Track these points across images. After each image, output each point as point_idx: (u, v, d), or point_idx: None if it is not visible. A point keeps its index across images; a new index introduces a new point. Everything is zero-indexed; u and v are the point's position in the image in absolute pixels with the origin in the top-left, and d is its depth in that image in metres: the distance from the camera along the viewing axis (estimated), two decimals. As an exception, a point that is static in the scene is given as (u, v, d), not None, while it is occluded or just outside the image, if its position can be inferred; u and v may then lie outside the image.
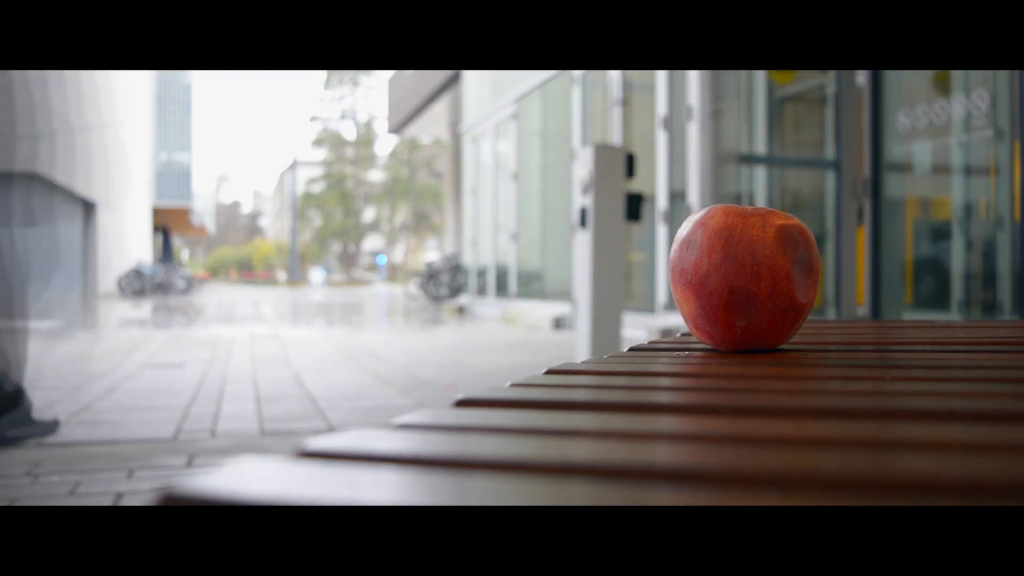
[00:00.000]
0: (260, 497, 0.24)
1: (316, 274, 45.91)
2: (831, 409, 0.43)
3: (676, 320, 6.58)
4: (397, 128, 18.51)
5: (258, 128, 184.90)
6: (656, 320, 6.98)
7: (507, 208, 11.66)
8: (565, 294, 9.31)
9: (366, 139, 52.54)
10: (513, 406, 0.44)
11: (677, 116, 7.02)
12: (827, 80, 6.08)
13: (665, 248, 7.02)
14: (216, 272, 61.58)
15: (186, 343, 6.95)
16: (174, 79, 34.76)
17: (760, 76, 6.38)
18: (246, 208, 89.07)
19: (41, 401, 3.68)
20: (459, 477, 0.27)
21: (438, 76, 14.14)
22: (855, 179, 5.29)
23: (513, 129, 11.39)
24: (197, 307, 14.92)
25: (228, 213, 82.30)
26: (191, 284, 24.57)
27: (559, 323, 8.83)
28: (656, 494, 0.25)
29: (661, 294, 7.09)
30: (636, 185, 4.37)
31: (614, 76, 8.23)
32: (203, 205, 40.48)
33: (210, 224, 47.30)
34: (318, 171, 53.64)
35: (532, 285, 10.78)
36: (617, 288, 3.96)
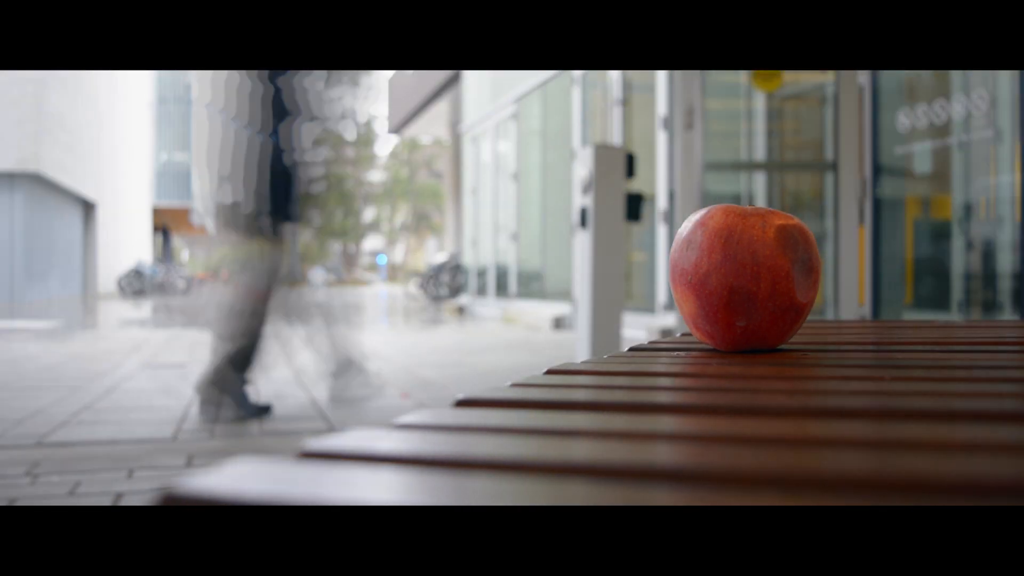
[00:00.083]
0: (260, 497, 0.24)
1: (316, 274, 45.91)
2: (831, 409, 0.43)
3: (676, 320, 6.58)
4: (397, 128, 18.51)
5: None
6: (656, 320, 6.98)
7: (507, 208, 11.66)
8: (565, 294, 9.31)
9: (366, 139, 52.53)
10: (513, 406, 0.44)
11: (677, 116, 7.02)
12: (827, 80, 6.08)
13: (665, 248, 7.02)
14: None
15: (186, 343, 6.95)
16: (174, 79, 34.76)
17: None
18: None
19: (41, 401, 3.68)
20: (459, 477, 0.27)
21: (438, 76, 14.14)
22: (855, 179, 5.29)
23: (513, 129, 11.39)
24: (197, 307, 14.92)
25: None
26: (191, 284, 24.58)
27: (559, 323, 8.83)
28: (656, 494, 0.25)
29: (661, 294, 7.09)
30: (636, 185, 4.37)
31: (614, 76, 8.23)
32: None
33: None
34: (318, 171, 53.58)
35: (532, 285, 10.78)
36: (617, 288, 3.96)
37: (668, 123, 7.08)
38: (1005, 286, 4.69)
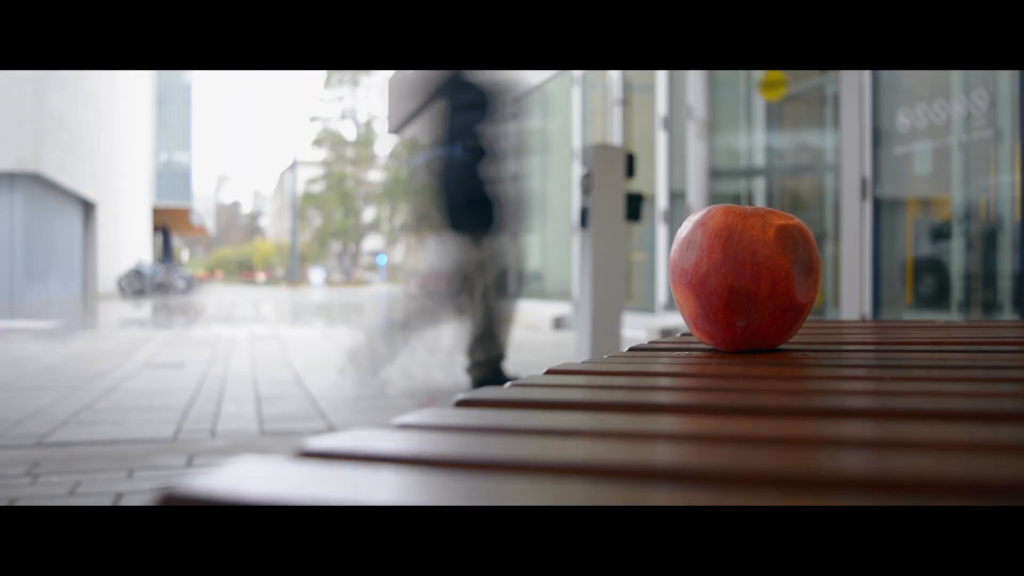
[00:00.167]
0: (260, 497, 0.24)
1: (316, 274, 45.88)
2: (831, 409, 0.43)
3: (676, 320, 6.59)
4: (397, 128, 18.50)
5: (258, 128, 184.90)
6: (656, 320, 6.98)
7: (507, 208, 11.64)
8: (565, 294, 9.31)
9: (366, 139, 52.53)
10: (513, 406, 0.44)
11: (677, 116, 7.03)
12: (827, 80, 6.08)
13: (665, 248, 7.02)
14: (213, 271, 61.42)
15: (186, 343, 6.95)
16: (174, 79, 34.74)
17: (757, 77, 6.38)
18: (246, 208, 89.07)
19: (41, 401, 3.68)
20: (459, 477, 0.27)
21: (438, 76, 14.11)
22: (855, 179, 5.29)
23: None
24: (197, 307, 14.92)
25: (228, 213, 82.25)
26: (191, 284, 24.58)
27: (559, 323, 8.83)
28: (656, 494, 0.25)
29: (661, 294, 7.09)
30: (636, 185, 4.37)
31: (614, 76, 8.24)
32: (203, 205, 40.45)
33: (210, 224, 47.28)
34: (318, 171, 53.63)
35: (532, 285, 10.78)
36: (617, 288, 3.96)
37: (668, 123, 7.08)
38: (1005, 286, 4.69)
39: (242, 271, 59.67)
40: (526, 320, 9.63)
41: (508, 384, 0.49)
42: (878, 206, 5.49)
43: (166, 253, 37.22)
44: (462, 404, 0.43)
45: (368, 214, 54.50)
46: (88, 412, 3.40)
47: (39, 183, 16.00)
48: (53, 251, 17.39)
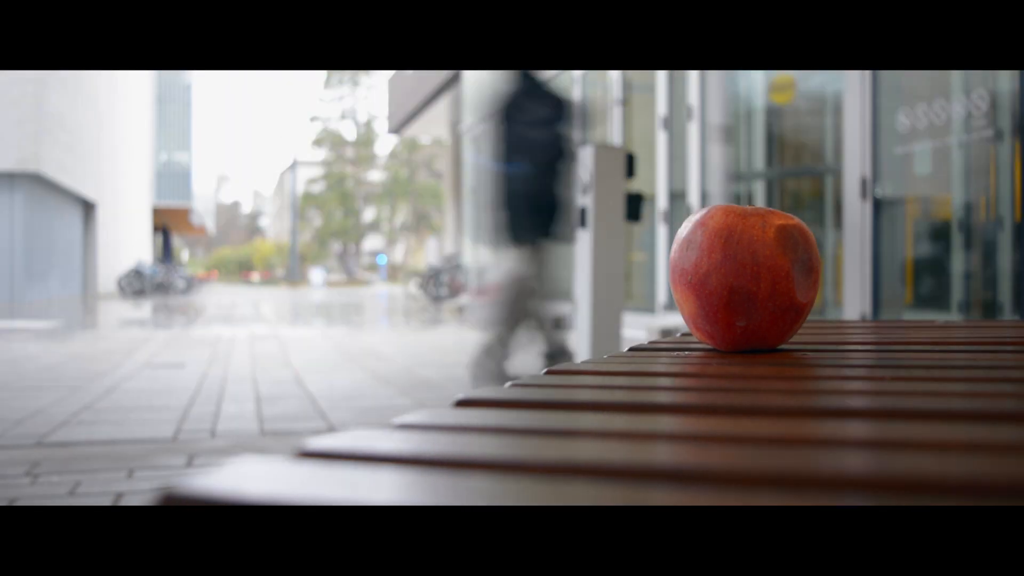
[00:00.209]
0: (260, 497, 0.24)
1: (316, 274, 45.89)
2: (831, 409, 0.43)
3: (676, 320, 6.59)
4: (397, 128, 18.50)
5: (258, 128, 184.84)
6: (656, 320, 6.98)
7: (507, 208, 11.64)
8: (565, 294, 9.31)
9: (366, 139, 52.54)
10: (513, 406, 0.44)
11: (677, 116, 7.03)
12: (827, 80, 6.08)
13: (665, 248, 7.02)
14: (210, 271, 61.37)
15: (186, 343, 6.95)
16: (174, 79, 34.74)
17: (757, 77, 6.38)
18: (246, 208, 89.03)
19: (41, 401, 3.68)
20: (459, 477, 0.27)
21: (438, 76, 14.13)
22: (855, 179, 5.29)
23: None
24: (197, 307, 14.92)
25: (228, 213, 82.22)
26: (191, 284, 24.58)
27: (559, 323, 8.82)
28: (656, 494, 0.25)
29: (661, 294, 7.09)
30: (636, 185, 4.37)
31: (614, 76, 8.24)
32: (203, 205, 40.45)
33: (210, 224, 47.27)
34: (318, 171, 53.64)
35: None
36: (617, 288, 3.96)
37: (668, 123, 7.08)
38: (1005, 286, 4.69)
39: (242, 271, 59.64)
40: (526, 320, 9.62)
41: (508, 384, 0.49)
42: (878, 206, 5.49)
43: (166, 253, 37.21)
44: (462, 404, 0.43)
45: (368, 214, 54.50)
46: (88, 412, 3.40)
47: (39, 183, 16.00)
48: (53, 251, 17.39)
